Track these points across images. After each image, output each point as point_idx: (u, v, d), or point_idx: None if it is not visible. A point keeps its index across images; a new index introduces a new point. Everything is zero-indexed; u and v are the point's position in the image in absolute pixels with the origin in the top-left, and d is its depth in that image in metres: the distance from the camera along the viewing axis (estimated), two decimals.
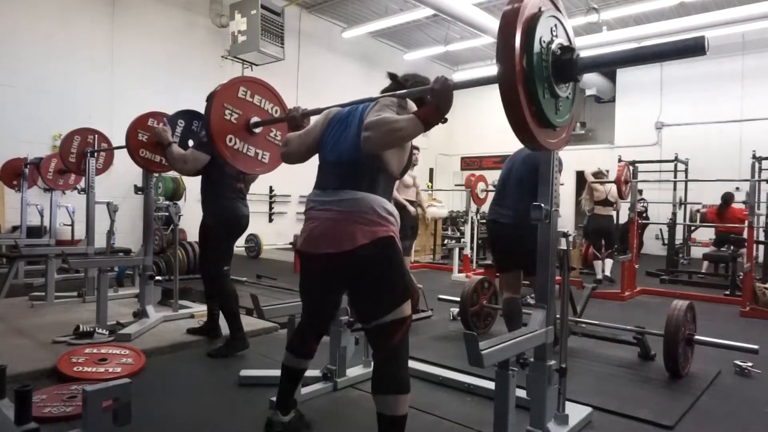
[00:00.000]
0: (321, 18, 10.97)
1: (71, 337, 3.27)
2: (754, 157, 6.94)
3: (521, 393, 2.02)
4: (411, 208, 4.79)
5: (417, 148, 3.24)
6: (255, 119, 2.61)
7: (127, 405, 1.64)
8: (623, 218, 7.60)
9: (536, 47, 1.45)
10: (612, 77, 12.62)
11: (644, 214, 9.24)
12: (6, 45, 6.94)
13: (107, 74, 7.95)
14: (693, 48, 1.46)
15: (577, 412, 2.28)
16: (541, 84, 1.48)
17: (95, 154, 4.49)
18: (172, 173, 7.00)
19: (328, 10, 10.78)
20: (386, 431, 1.73)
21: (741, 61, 10.75)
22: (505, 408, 1.80)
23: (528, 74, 1.43)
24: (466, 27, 9.30)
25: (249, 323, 3.83)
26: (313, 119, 2.10)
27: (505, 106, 1.43)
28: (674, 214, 8.50)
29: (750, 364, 3.10)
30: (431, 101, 1.67)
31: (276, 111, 2.73)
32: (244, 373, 2.76)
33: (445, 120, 1.72)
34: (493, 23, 9.36)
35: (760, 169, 7.15)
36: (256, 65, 9.11)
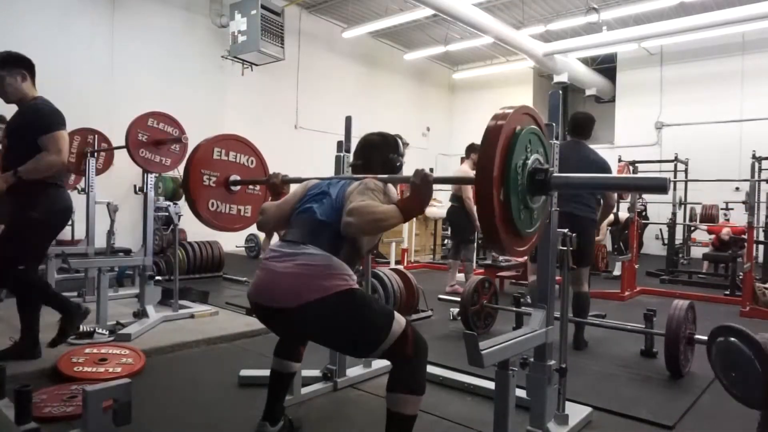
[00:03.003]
0: (321, 18, 10.97)
1: (71, 337, 3.26)
2: (754, 157, 6.92)
3: (521, 393, 2.02)
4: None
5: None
6: (234, 177, 2.60)
7: (127, 405, 1.65)
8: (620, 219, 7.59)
9: (513, 164, 1.58)
10: (612, 77, 12.63)
11: (644, 214, 9.23)
12: (6, 45, 6.92)
13: (107, 74, 7.94)
14: (658, 187, 1.62)
15: (577, 412, 2.28)
16: (516, 199, 1.60)
17: (95, 154, 4.49)
18: (172, 173, 7.00)
19: (328, 10, 10.78)
20: (393, 428, 1.71)
21: (741, 61, 10.75)
22: (505, 408, 1.80)
23: (505, 191, 1.56)
24: (466, 27, 9.29)
25: (249, 323, 3.83)
26: (293, 188, 2.12)
27: (480, 216, 1.56)
28: (674, 214, 8.49)
29: None
30: (412, 194, 1.71)
31: (251, 162, 2.71)
32: (244, 373, 2.76)
33: (423, 210, 1.78)
34: (493, 23, 9.36)
35: (760, 169, 7.12)
36: (256, 65, 9.11)
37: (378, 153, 2.06)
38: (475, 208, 4.75)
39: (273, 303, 1.71)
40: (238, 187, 2.64)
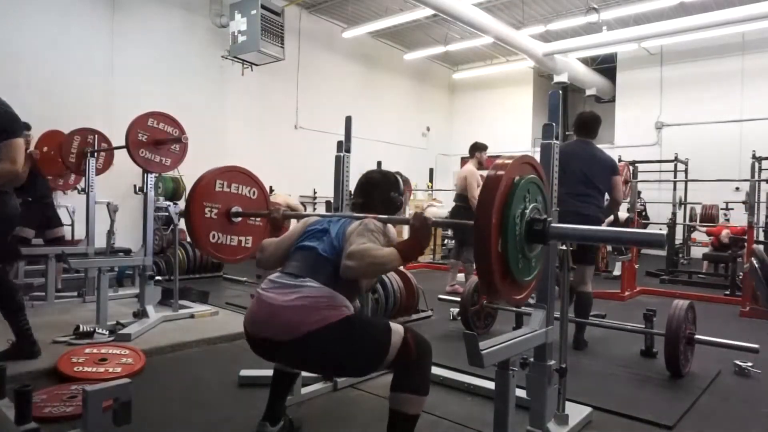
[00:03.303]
0: (321, 18, 10.96)
1: (71, 337, 3.27)
2: (754, 157, 6.92)
3: (521, 393, 2.02)
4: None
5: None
6: (235, 209, 2.60)
7: (127, 405, 1.65)
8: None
9: (512, 214, 1.60)
10: (612, 77, 12.63)
11: (644, 214, 9.23)
12: (6, 45, 6.93)
13: (107, 74, 7.94)
14: (656, 243, 1.66)
15: (577, 412, 2.28)
16: (513, 248, 1.63)
17: (95, 154, 4.49)
18: (172, 173, 7.00)
19: (328, 10, 10.78)
20: (395, 428, 1.71)
21: (741, 61, 10.74)
22: (505, 408, 1.80)
23: (503, 241, 1.58)
24: (466, 27, 9.29)
25: None
26: (293, 223, 2.14)
27: (478, 263, 1.58)
28: (674, 214, 8.50)
29: (750, 364, 3.10)
30: (411, 237, 1.73)
31: (254, 193, 2.71)
32: (244, 373, 2.76)
33: (422, 253, 1.82)
34: (493, 23, 9.36)
35: (760, 169, 7.14)
36: (256, 65, 9.11)
37: (379, 191, 2.09)
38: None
39: (271, 336, 1.70)
40: (240, 219, 2.65)
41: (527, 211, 1.68)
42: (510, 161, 1.66)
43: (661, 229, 10.76)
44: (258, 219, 2.73)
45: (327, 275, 1.76)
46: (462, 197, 5.65)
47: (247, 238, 2.68)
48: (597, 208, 3.60)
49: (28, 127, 4.80)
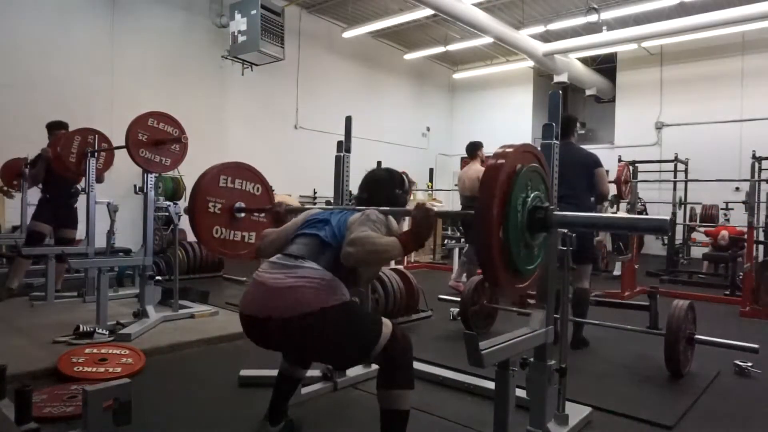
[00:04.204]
0: (321, 18, 10.96)
1: (71, 337, 3.27)
2: (754, 157, 6.92)
3: (521, 393, 2.02)
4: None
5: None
6: (239, 204, 2.61)
7: (127, 405, 1.65)
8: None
9: (514, 202, 1.59)
10: (612, 77, 12.63)
11: (644, 214, 9.23)
12: (6, 45, 6.93)
13: (107, 74, 7.94)
14: (660, 228, 1.64)
15: (577, 412, 2.28)
16: (515, 237, 1.62)
17: (95, 154, 4.49)
18: (172, 173, 7.00)
19: (328, 10, 10.78)
20: (389, 426, 1.74)
21: (741, 61, 10.74)
22: (505, 408, 1.80)
23: (504, 229, 1.57)
24: (466, 27, 9.28)
25: None
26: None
27: (480, 254, 1.57)
28: (674, 214, 8.50)
29: (750, 363, 3.10)
30: (413, 227, 1.72)
31: (257, 189, 2.72)
32: (244, 373, 2.76)
33: (423, 244, 1.81)
34: (493, 23, 9.36)
35: (760, 169, 7.14)
36: (256, 65, 9.11)
37: (383, 188, 2.10)
38: None
39: (267, 313, 1.69)
40: (243, 214, 2.65)
41: (529, 199, 1.67)
42: (511, 149, 1.65)
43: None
44: (261, 215, 2.72)
45: (327, 260, 1.76)
46: (473, 199, 5.64)
47: (251, 234, 2.69)
48: (585, 208, 3.63)
49: (62, 125, 4.83)
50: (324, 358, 1.92)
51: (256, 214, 2.71)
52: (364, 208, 1.92)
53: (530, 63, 11.25)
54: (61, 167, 4.54)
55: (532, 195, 1.69)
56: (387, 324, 1.77)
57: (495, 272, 1.56)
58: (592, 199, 3.80)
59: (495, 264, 1.55)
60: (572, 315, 3.55)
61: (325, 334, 1.68)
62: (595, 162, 3.71)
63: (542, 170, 1.80)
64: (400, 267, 6.09)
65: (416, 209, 1.73)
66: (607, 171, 7.45)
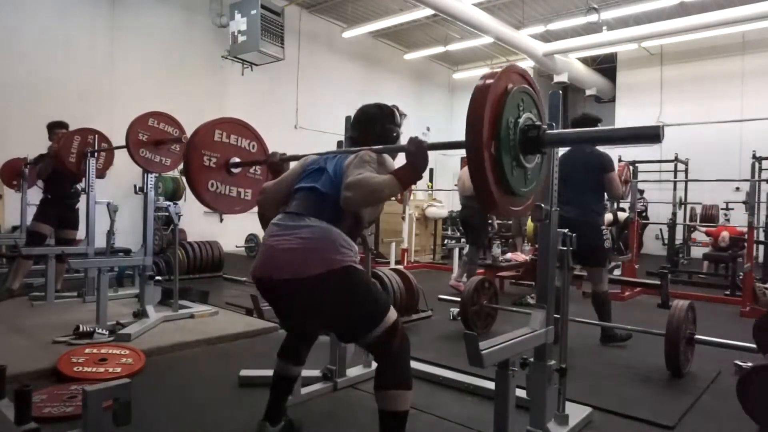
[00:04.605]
0: (321, 18, 10.97)
1: (71, 337, 3.27)
2: (754, 157, 6.93)
3: (521, 393, 2.02)
4: None
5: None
6: (234, 160, 2.59)
7: (127, 405, 1.64)
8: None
9: (504, 123, 1.55)
10: (612, 77, 12.63)
11: (644, 214, 9.24)
12: (5, 44, 6.94)
13: (107, 74, 7.95)
14: (650, 135, 1.57)
15: (577, 412, 2.27)
16: (508, 156, 1.58)
17: (95, 154, 4.49)
18: (172, 173, 7.00)
19: (328, 10, 10.79)
20: (387, 427, 1.73)
21: (741, 61, 10.75)
22: (505, 408, 1.80)
23: (496, 147, 1.54)
24: (466, 27, 9.29)
25: (249, 323, 3.84)
26: (292, 164, 2.12)
27: (472, 173, 1.54)
28: (674, 214, 8.50)
29: (750, 364, 3.09)
30: (408, 162, 1.72)
31: (253, 146, 2.70)
32: (244, 373, 2.76)
33: (421, 177, 1.78)
34: (493, 23, 9.36)
35: (760, 169, 7.15)
36: (256, 65, 9.11)
37: (374, 124, 2.07)
38: None
39: (277, 274, 1.73)
40: (239, 170, 2.63)
41: (520, 120, 1.64)
42: (500, 69, 1.61)
43: (661, 230, 10.77)
44: (258, 171, 2.71)
45: (329, 212, 1.76)
46: (473, 199, 5.61)
47: (247, 191, 2.67)
48: (596, 215, 3.68)
49: (62, 125, 4.82)
50: (330, 322, 1.87)
51: (252, 170, 2.69)
52: (357, 149, 1.89)
53: (530, 63, 11.24)
54: (61, 167, 4.54)
55: (524, 116, 1.65)
56: (394, 311, 1.78)
57: (488, 191, 1.53)
58: (606, 201, 3.80)
59: (487, 182, 1.51)
60: (599, 320, 3.63)
61: (333, 295, 1.69)
62: (605, 167, 3.67)
63: (534, 94, 1.75)
64: (400, 267, 6.09)
65: (409, 143, 1.72)
66: None
